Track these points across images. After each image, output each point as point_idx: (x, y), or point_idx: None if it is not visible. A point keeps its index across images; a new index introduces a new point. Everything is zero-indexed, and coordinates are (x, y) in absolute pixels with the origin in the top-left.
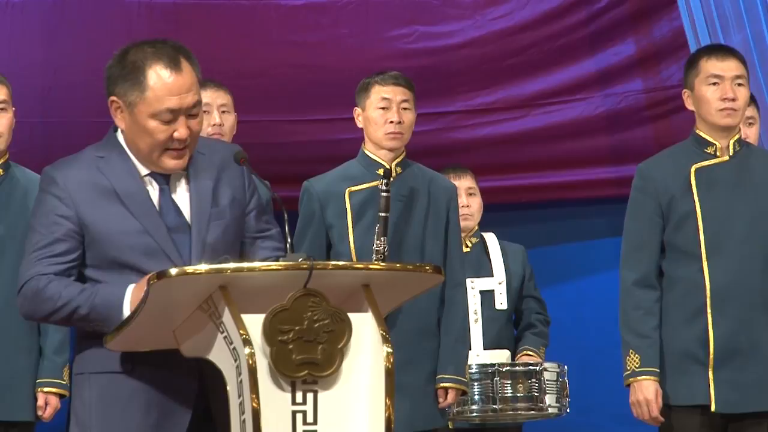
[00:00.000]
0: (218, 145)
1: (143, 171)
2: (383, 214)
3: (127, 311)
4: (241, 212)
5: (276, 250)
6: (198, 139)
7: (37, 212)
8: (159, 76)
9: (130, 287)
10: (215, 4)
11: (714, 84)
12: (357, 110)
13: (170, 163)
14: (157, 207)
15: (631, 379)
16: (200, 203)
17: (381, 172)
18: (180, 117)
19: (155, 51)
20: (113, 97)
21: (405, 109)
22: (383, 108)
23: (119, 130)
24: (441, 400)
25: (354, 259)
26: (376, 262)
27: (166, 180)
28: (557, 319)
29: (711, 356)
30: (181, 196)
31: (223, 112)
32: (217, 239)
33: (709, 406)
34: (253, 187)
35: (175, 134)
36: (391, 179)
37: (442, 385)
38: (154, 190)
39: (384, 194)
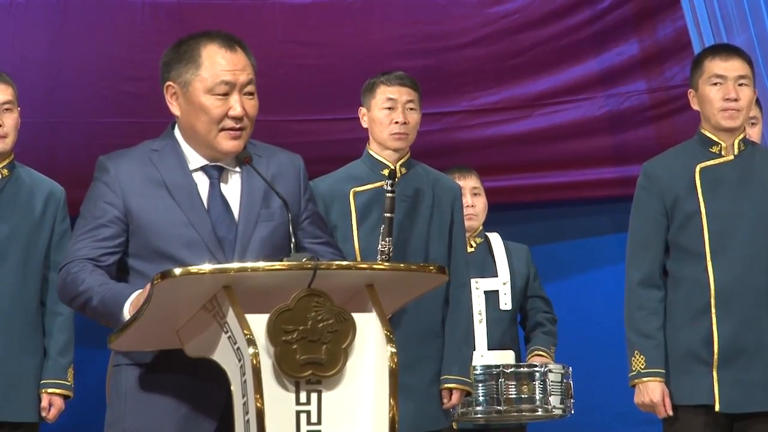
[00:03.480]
0: (278, 152)
1: (195, 164)
2: (388, 215)
3: (126, 313)
4: (294, 218)
5: (335, 255)
6: (254, 121)
7: (87, 199)
8: (214, 52)
9: (137, 292)
10: (219, 4)
11: (717, 84)
12: (362, 110)
13: (227, 144)
14: (205, 201)
15: (637, 380)
16: (250, 201)
17: (386, 172)
18: (235, 93)
19: (210, 35)
20: (169, 83)
21: (410, 109)
22: (388, 108)
23: (176, 126)
24: (445, 400)
25: (358, 259)
26: (380, 262)
27: (218, 175)
28: (561, 318)
29: (715, 356)
30: (232, 193)
31: None
32: (264, 239)
33: (714, 406)
34: (308, 196)
35: (231, 111)
36: (396, 180)
37: (446, 385)
38: (203, 184)
39: (389, 195)
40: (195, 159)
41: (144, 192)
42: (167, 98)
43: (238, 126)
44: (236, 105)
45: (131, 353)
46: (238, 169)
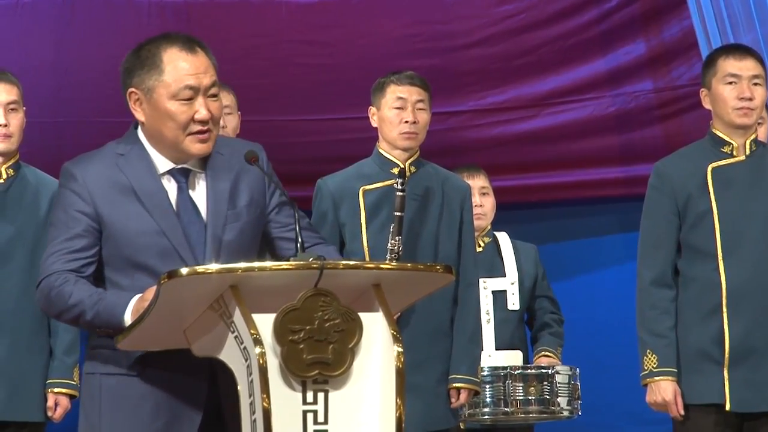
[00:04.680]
0: (239, 144)
1: (162, 168)
2: (398, 214)
3: (128, 321)
4: (260, 213)
5: (316, 237)
6: (219, 123)
7: (56, 207)
8: (175, 57)
9: (135, 298)
10: (226, 3)
11: (731, 83)
12: (372, 109)
13: (195, 146)
14: (175, 206)
15: (649, 380)
16: (217, 204)
17: (396, 171)
18: (199, 96)
19: (168, 38)
20: (131, 89)
21: (420, 109)
22: (398, 108)
23: (140, 127)
24: (453, 400)
25: (367, 258)
26: (386, 262)
27: (185, 178)
28: (568, 318)
29: (726, 355)
30: (199, 196)
31: (227, 113)
32: (233, 240)
33: (724, 405)
34: (273, 187)
35: (197, 115)
36: (406, 179)
37: (454, 385)
38: (172, 189)
39: (399, 194)
40: (162, 163)
41: (113, 199)
42: (131, 105)
43: (205, 128)
44: (202, 109)
45: (106, 360)
46: (202, 170)
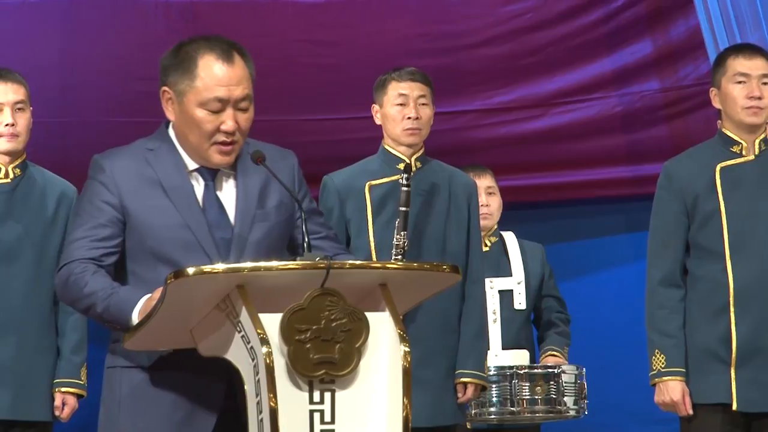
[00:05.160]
0: (271, 150)
1: (191, 166)
2: (403, 209)
3: (135, 319)
4: (289, 217)
5: (336, 249)
6: (247, 134)
7: (83, 197)
8: (209, 66)
9: (144, 297)
10: (232, 3)
11: (740, 82)
12: (375, 107)
13: (217, 157)
14: (201, 203)
15: (657, 380)
16: (246, 203)
17: (401, 166)
18: (228, 108)
19: (209, 43)
20: (165, 88)
21: (422, 104)
22: (400, 104)
23: (171, 125)
24: (460, 394)
25: (373, 253)
26: (393, 262)
27: (212, 176)
28: (574, 317)
29: (733, 355)
30: (227, 194)
31: None
32: (260, 240)
33: (731, 405)
34: (303, 192)
35: (223, 126)
36: (412, 174)
37: (461, 380)
38: (199, 186)
39: (404, 189)
40: (190, 161)
41: (140, 192)
42: (162, 102)
43: (229, 140)
44: (228, 121)
45: (126, 354)
46: (232, 170)
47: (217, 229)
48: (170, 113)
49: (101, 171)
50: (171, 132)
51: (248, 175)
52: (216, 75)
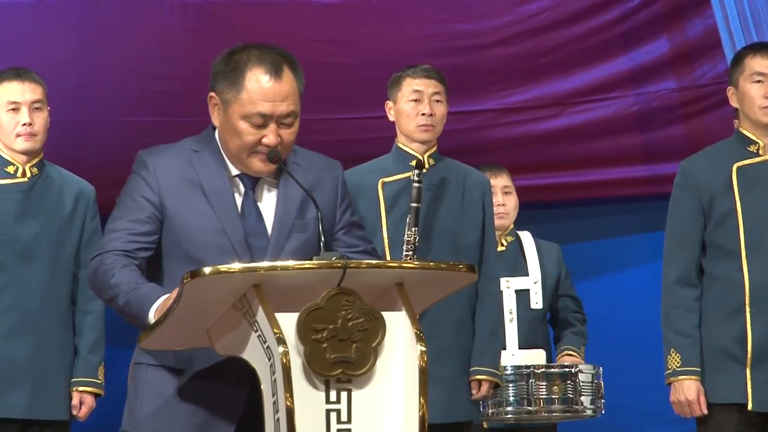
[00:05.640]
0: (318, 159)
1: (234, 171)
2: (415, 205)
3: (152, 317)
4: (328, 228)
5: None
6: (290, 148)
7: (124, 190)
8: (257, 80)
9: (164, 296)
10: (247, 2)
11: (758, 82)
12: (389, 104)
13: (258, 165)
14: (240, 209)
15: (672, 379)
16: (285, 212)
17: (413, 163)
18: (271, 124)
19: (260, 54)
20: (212, 93)
21: (437, 101)
22: (415, 101)
23: (217, 131)
24: (474, 392)
25: (386, 250)
26: (410, 261)
27: (253, 184)
28: (591, 317)
29: (749, 355)
30: (267, 203)
31: None
32: (296, 250)
33: (746, 405)
34: (346, 205)
35: (264, 140)
36: (424, 170)
37: (476, 377)
38: (239, 192)
39: (416, 185)
40: (233, 166)
41: (180, 192)
42: (209, 106)
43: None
44: (271, 135)
45: (154, 353)
46: (275, 178)
47: (253, 236)
48: (215, 118)
49: (144, 167)
50: (217, 136)
51: (291, 184)
52: (262, 90)
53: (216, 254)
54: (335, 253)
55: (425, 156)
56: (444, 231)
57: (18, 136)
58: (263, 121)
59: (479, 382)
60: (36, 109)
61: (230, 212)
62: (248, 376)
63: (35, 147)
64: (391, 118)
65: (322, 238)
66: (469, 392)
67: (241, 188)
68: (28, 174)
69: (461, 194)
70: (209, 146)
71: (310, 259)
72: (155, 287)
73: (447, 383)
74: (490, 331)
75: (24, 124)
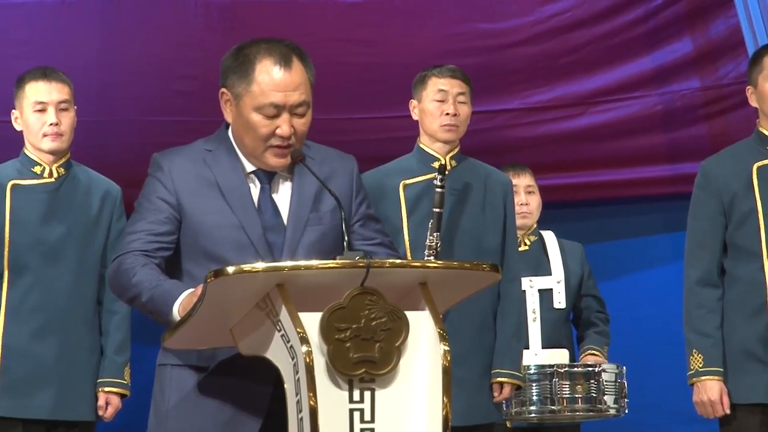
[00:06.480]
0: (332, 153)
1: (248, 168)
2: (437, 210)
3: (176, 313)
4: (344, 220)
5: (389, 256)
6: (303, 139)
7: (142, 194)
8: (267, 71)
9: (187, 291)
10: (271, 2)
11: None
12: (413, 102)
13: (273, 160)
14: (256, 205)
15: (695, 379)
16: (300, 206)
17: (436, 165)
18: (284, 114)
19: (269, 47)
20: (223, 89)
21: (461, 102)
22: (440, 100)
23: (230, 126)
24: (496, 394)
25: (408, 252)
26: (433, 261)
27: (268, 179)
28: (614, 316)
29: None
30: (282, 197)
31: None
32: (312, 243)
33: None
34: (361, 198)
35: (278, 131)
36: (446, 174)
37: (498, 379)
38: (255, 188)
39: (438, 190)
40: (248, 163)
41: (196, 191)
42: (221, 103)
43: (285, 144)
44: (284, 125)
45: (178, 353)
46: (289, 173)
47: (270, 231)
48: (228, 115)
49: (159, 169)
50: (230, 134)
51: (304, 179)
52: (273, 80)
53: (234, 251)
54: (358, 252)
55: (447, 157)
56: (466, 234)
57: (45, 136)
58: (276, 111)
59: (501, 384)
60: (63, 109)
61: (247, 208)
62: (272, 372)
63: (62, 147)
64: (415, 117)
65: (346, 237)
66: (491, 394)
67: (257, 184)
68: (55, 174)
69: (483, 196)
70: (223, 144)
71: (334, 258)
72: (177, 283)
73: (468, 385)
74: (512, 333)
75: (51, 124)
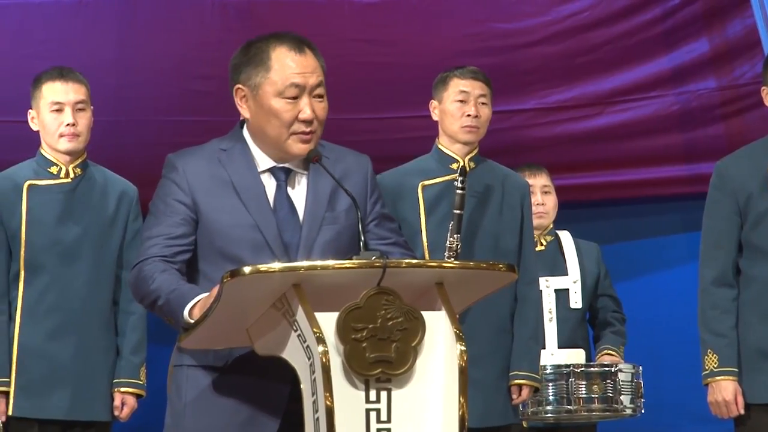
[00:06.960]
0: (347, 153)
1: (263, 166)
2: (458, 212)
3: (186, 316)
4: (358, 221)
5: (404, 256)
6: (323, 125)
7: (156, 196)
8: (283, 56)
9: (202, 295)
10: (288, 2)
11: None
12: (434, 103)
13: (297, 147)
14: (272, 203)
15: (710, 379)
16: (315, 204)
17: (455, 166)
18: (305, 96)
19: (278, 37)
20: (238, 85)
21: (482, 104)
22: (461, 101)
23: (245, 125)
24: (515, 396)
25: (426, 253)
26: (449, 261)
27: (285, 177)
28: (630, 317)
29: None
30: (298, 196)
31: None
32: (328, 242)
33: None
34: (375, 198)
35: (301, 114)
36: (466, 176)
37: (516, 381)
38: (271, 186)
39: (459, 191)
40: (263, 160)
41: (211, 191)
42: (237, 101)
43: (308, 129)
44: (306, 108)
45: (193, 353)
46: (305, 171)
47: (286, 230)
48: (245, 110)
49: (174, 170)
50: (245, 132)
51: (319, 177)
52: (290, 63)
53: (250, 250)
54: (375, 252)
55: (466, 158)
56: (484, 236)
57: (61, 136)
58: (297, 92)
59: (519, 386)
60: (79, 109)
61: (262, 207)
62: (288, 371)
63: (78, 147)
64: (435, 118)
65: (362, 238)
66: (507, 396)
67: (273, 182)
68: (72, 174)
69: (501, 198)
70: (237, 143)
71: (350, 258)
72: (194, 287)
73: (485, 387)
74: (530, 335)
75: (68, 125)
